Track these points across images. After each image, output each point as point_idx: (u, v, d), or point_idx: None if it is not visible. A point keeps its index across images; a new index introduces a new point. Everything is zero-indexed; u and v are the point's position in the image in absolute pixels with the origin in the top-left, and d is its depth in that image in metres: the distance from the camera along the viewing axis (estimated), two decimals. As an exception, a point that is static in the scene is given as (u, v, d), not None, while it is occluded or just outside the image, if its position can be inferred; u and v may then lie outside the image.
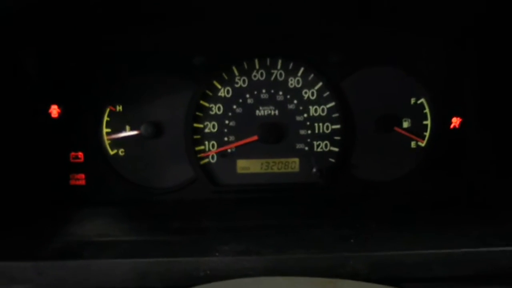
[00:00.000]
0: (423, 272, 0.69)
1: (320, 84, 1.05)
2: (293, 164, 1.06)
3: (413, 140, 1.06)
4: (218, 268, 0.68)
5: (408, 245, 0.72)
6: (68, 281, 0.68)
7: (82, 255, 0.71)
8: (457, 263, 0.70)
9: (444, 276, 0.69)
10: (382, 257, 0.69)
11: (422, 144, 1.06)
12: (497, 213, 0.89)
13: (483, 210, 0.93)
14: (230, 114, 1.06)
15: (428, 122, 1.06)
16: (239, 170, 1.06)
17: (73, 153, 1.04)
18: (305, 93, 1.06)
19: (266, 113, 1.05)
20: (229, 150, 1.06)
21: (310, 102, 1.06)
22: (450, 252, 0.70)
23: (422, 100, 1.06)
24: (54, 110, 1.02)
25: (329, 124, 1.06)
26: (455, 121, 1.05)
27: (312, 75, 1.05)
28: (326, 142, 1.06)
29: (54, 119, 1.02)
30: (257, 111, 1.06)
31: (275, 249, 0.71)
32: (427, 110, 1.05)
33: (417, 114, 1.06)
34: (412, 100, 1.06)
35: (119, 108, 1.05)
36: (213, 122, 1.06)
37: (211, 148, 1.06)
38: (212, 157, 1.06)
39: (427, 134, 1.06)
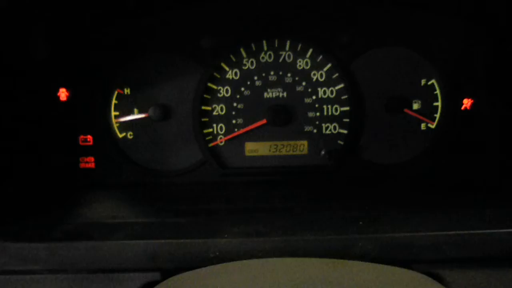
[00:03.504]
0: (432, 254, 0.69)
1: (329, 65, 1.04)
2: (302, 146, 1.05)
3: (423, 122, 1.05)
4: (227, 249, 0.68)
5: (417, 227, 0.72)
6: (80, 261, 0.69)
7: (93, 237, 0.72)
8: (467, 245, 0.69)
9: (454, 257, 0.69)
10: (391, 238, 0.69)
11: (432, 126, 1.05)
12: (509, 195, 0.88)
13: (495, 192, 0.92)
14: (238, 96, 1.05)
15: (438, 103, 1.04)
16: (247, 153, 1.06)
17: (82, 136, 1.05)
18: (314, 74, 1.04)
19: (274, 95, 1.05)
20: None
21: (319, 84, 1.04)
22: (459, 233, 0.69)
23: (433, 81, 1.04)
24: (63, 93, 1.02)
25: (338, 106, 1.05)
26: (466, 103, 1.04)
27: (321, 57, 1.04)
28: (335, 124, 1.05)
29: (62, 102, 1.02)
30: (265, 93, 1.05)
31: (284, 231, 0.71)
32: (437, 92, 1.04)
33: (427, 96, 1.04)
34: (423, 81, 1.04)
35: (127, 91, 1.05)
36: (221, 105, 1.05)
37: (219, 130, 1.06)
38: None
39: (437, 116, 1.05)
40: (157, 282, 0.64)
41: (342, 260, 0.65)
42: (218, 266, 0.64)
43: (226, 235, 0.70)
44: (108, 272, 0.69)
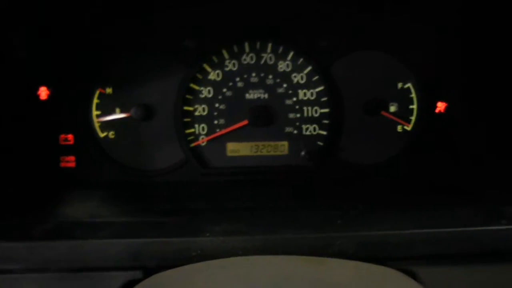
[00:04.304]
0: (407, 251, 0.72)
1: (309, 68, 1.06)
2: (282, 147, 1.08)
3: (399, 124, 1.08)
4: (209, 248, 0.70)
5: (392, 225, 0.75)
6: (61, 260, 0.69)
7: (74, 235, 0.72)
8: (440, 242, 0.72)
9: (428, 255, 0.72)
10: (367, 236, 0.71)
11: (408, 128, 1.08)
12: (480, 195, 0.92)
13: (467, 192, 0.96)
14: (220, 97, 1.06)
15: (414, 106, 1.08)
16: (229, 153, 1.08)
17: (62, 136, 1.04)
18: (295, 77, 1.07)
19: (255, 96, 1.06)
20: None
21: (299, 86, 1.07)
22: (433, 231, 0.72)
23: (409, 85, 1.08)
24: (43, 92, 1.01)
25: (317, 108, 1.07)
26: (440, 106, 1.08)
27: (301, 59, 1.06)
28: (315, 125, 1.07)
29: (43, 101, 1.01)
30: (247, 95, 1.06)
31: (264, 229, 0.73)
32: (413, 95, 1.08)
33: (403, 99, 1.08)
34: (399, 85, 1.08)
35: (109, 90, 1.05)
36: (203, 105, 1.06)
37: (201, 131, 1.07)
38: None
39: (413, 118, 1.08)
40: (139, 281, 0.64)
41: (320, 258, 0.68)
42: (200, 264, 0.65)
43: (207, 234, 0.71)
44: (89, 271, 0.69)
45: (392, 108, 1.08)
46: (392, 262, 0.71)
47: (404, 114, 1.08)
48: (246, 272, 0.62)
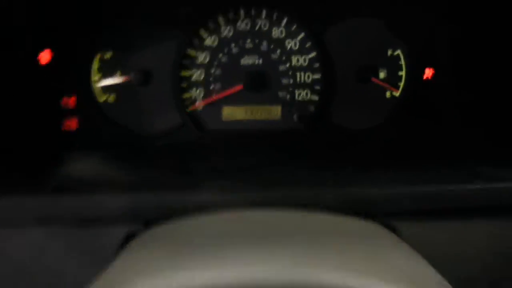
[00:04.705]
0: (393, 207, 0.78)
1: (302, 34, 1.09)
2: (276, 111, 1.12)
3: (388, 90, 1.13)
4: (206, 202, 0.75)
5: (377, 184, 0.80)
6: (65, 214, 0.74)
7: (78, 191, 0.77)
8: (422, 199, 0.78)
9: (409, 210, 0.78)
10: (352, 192, 0.77)
11: (397, 94, 1.13)
12: (462, 159, 0.98)
13: (449, 156, 1.01)
14: (216, 63, 1.10)
15: (402, 73, 1.12)
16: (224, 117, 1.12)
17: (64, 99, 1.08)
18: (288, 43, 1.10)
19: (250, 62, 1.10)
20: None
21: (292, 52, 1.10)
22: (415, 189, 0.78)
23: (398, 51, 1.11)
24: (44, 57, 1.04)
25: (310, 74, 1.11)
26: (428, 72, 1.12)
27: (294, 26, 1.09)
28: (307, 91, 1.12)
29: (43, 65, 1.05)
30: (242, 60, 1.10)
31: (258, 186, 0.79)
32: (402, 62, 1.11)
33: (393, 65, 1.12)
34: (389, 52, 1.12)
35: (108, 55, 1.08)
36: (200, 70, 1.10)
37: (197, 95, 1.11)
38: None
39: (401, 84, 1.12)
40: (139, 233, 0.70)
41: (302, 211, 0.73)
42: (195, 217, 0.71)
43: (204, 189, 0.77)
44: (93, 223, 0.74)
45: (382, 75, 1.12)
46: (375, 217, 0.77)
47: (393, 80, 1.12)
48: (233, 224, 0.67)
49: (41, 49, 1.04)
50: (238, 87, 1.10)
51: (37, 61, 1.04)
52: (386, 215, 0.78)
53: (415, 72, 1.12)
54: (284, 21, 1.09)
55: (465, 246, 0.80)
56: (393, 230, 0.75)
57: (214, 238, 0.60)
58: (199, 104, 1.11)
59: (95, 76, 1.08)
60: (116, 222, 0.74)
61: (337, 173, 0.88)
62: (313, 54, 1.10)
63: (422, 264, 0.60)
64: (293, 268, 0.51)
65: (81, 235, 0.75)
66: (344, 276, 0.49)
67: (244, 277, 0.49)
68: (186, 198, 0.76)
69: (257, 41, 1.09)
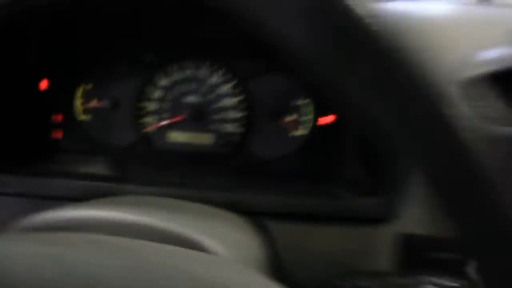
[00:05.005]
0: (265, 209, 1.09)
1: (233, 82, 1.44)
2: (209, 138, 1.45)
3: (296, 129, 1.44)
4: (131, 191, 1.10)
5: (261, 192, 1.12)
6: (38, 190, 1.12)
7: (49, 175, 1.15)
8: (288, 206, 1.09)
9: (279, 213, 1.09)
10: (237, 196, 1.10)
11: (303, 133, 1.44)
12: (331, 184, 1.27)
13: (324, 181, 1.31)
14: (167, 98, 1.46)
15: (311, 117, 1.44)
16: (169, 139, 1.47)
17: (53, 116, 1.47)
18: (222, 88, 1.45)
19: (193, 100, 1.45)
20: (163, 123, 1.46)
21: (224, 95, 1.45)
22: (285, 199, 1.10)
23: (308, 100, 1.43)
24: (43, 84, 1.45)
25: (236, 112, 1.45)
26: (330, 119, 1.43)
27: (228, 76, 1.44)
28: (233, 125, 1.44)
29: (41, 90, 1.45)
30: (187, 98, 1.45)
31: (173, 186, 1.12)
32: (310, 108, 1.43)
33: (303, 110, 1.44)
34: (301, 100, 1.44)
35: (89, 86, 1.47)
36: (155, 103, 1.46)
37: (151, 121, 1.47)
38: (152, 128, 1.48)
39: (308, 126, 1.44)
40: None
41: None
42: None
43: (131, 182, 1.12)
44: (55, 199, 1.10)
45: (294, 117, 1.44)
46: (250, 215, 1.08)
47: (303, 122, 1.44)
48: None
49: (41, 79, 1.45)
50: (182, 118, 1.45)
51: (38, 87, 1.45)
52: (259, 215, 1.10)
53: (319, 117, 1.43)
54: (221, 72, 1.44)
55: (313, 245, 1.10)
56: (262, 226, 1.07)
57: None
58: (151, 128, 1.47)
59: (78, 101, 1.47)
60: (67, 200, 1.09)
61: (233, 183, 1.20)
62: (240, 98, 1.44)
63: (249, 236, 0.93)
64: (154, 215, 0.80)
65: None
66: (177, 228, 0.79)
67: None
68: (115, 187, 1.12)
69: (199, 84, 1.45)
